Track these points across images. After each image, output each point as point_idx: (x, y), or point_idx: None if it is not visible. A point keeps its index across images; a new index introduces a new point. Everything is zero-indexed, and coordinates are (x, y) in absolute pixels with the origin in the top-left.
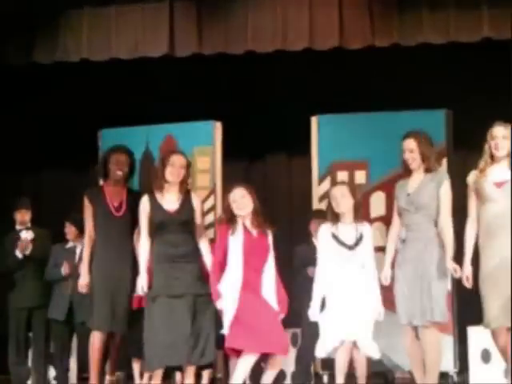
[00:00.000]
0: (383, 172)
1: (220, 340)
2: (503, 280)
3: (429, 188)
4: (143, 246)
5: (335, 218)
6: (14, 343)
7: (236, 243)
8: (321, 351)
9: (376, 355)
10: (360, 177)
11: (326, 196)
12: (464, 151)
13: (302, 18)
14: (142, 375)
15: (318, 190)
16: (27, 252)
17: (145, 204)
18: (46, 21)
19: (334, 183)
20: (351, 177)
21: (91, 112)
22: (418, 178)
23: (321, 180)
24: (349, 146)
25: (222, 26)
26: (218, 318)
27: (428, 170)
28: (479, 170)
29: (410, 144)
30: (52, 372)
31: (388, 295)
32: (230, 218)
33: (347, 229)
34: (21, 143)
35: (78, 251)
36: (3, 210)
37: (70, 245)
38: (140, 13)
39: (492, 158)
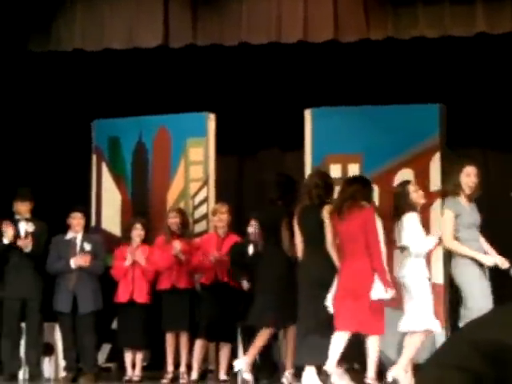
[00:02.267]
0: (377, 165)
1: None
2: None
3: None
4: None
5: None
6: (7, 333)
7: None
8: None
9: None
10: (353, 170)
11: None
12: (457, 146)
13: (297, 10)
14: (133, 366)
15: None
16: (28, 249)
17: None
18: (39, 10)
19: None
20: (344, 170)
21: (84, 102)
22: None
23: None
24: (342, 139)
25: (217, 17)
26: None
27: None
28: None
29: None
30: (44, 361)
31: None
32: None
33: None
34: (14, 133)
35: (78, 242)
36: (5, 199)
37: (69, 236)
38: (134, 3)
39: None
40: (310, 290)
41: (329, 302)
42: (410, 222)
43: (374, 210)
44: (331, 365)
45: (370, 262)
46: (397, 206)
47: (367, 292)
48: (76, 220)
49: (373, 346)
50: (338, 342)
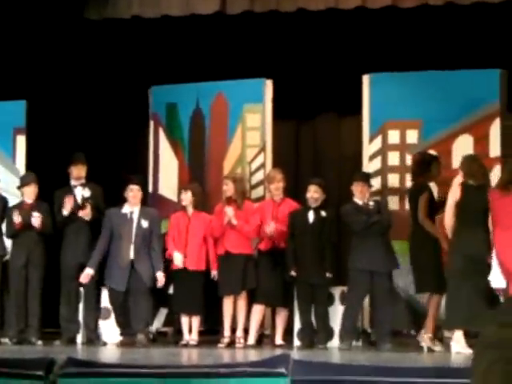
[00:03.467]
0: (436, 131)
1: None
2: None
3: None
4: None
5: None
6: (66, 298)
7: None
8: None
9: None
10: (412, 136)
11: (376, 155)
12: None
13: None
14: (190, 330)
15: (368, 148)
16: (88, 218)
17: None
18: None
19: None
20: (403, 136)
21: (142, 69)
22: None
23: (371, 139)
24: (401, 105)
25: None
26: None
27: None
28: None
29: None
30: (101, 326)
31: None
32: None
33: None
34: (72, 100)
35: (135, 218)
36: (58, 165)
37: (126, 210)
38: None
39: None
40: (472, 265)
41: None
42: None
43: None
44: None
45: None
46: None
47: None
48: (133, 192)
49: None
50: None
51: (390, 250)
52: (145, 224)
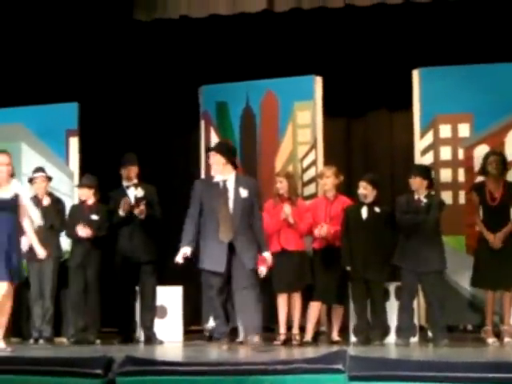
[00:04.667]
0: (488, 125)
1: None
2: None
3: None
4: None
5: None
6: (123, 297)
7: None
8: None
9: None
10: (464, 130)
11: (428, 150)
12: None
13: None
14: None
15: (420, 143)
16: (142, 216)
17: None
18: None
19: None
20: (454, 130)
21: (191, 69)
22: None
23: (423, 133)
24: (452, 99)
25: None
26: None
27: None
28: None
29: None
30: (157, 324)
31: None
32: None
33: None
34: (123, 101)
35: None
36: (111, 166)
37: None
38: None
39: None
40: None
41: None
42: None
43: None
44: None
45: None
46: None
47: None
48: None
49: None
50: None
51: (437, 248)
52: (244, 193)
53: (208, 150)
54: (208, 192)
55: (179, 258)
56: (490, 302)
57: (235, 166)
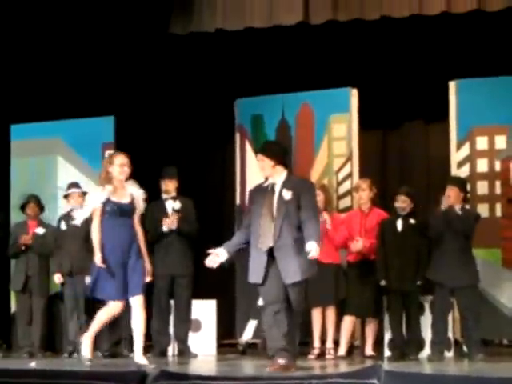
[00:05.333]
0: None
1: None
2: None
3: None
4: None
5: None
6: (157, 311)
7: None
8: None
9: None
10: (500, 142)
11: (464, 162)
12: None
13: None
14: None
15: (456, 155)
16: (174, 227)
17: None
18: None
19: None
20: (491, 142)
21: (227, 82)
22: None
23: (459, 145)
24: (488, 111)
25: None
26: None
27: None
28: None
29: None
30: (191, 338)
31: None
32: None
33: None
34: (160, 115)
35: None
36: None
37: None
38: None
39: None
40: None
41: None
42: None
43: None
44: None
45: None
46: None
47: None
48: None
49: None
50: None
51: (470, 262)
52: (287, 195)
53: (256, 152)
54: (257, 198)
55: (210, 259)
56: None
57: (286, 166)
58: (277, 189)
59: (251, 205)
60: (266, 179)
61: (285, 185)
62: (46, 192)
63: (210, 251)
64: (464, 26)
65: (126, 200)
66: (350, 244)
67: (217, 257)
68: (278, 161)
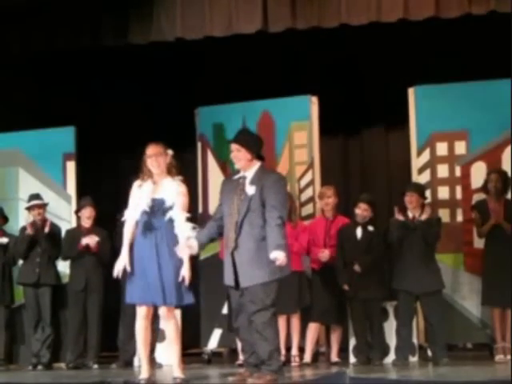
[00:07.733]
0: (484, 142)
1: None
2: None
3: None
4: None
5: None
6: (124, 321)
7: None
8: None
9: None
10: (460, 147)
11: (425, 167)
12: None
13: None
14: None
15: (417, 162)
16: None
17: None
18: (139, 1)
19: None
20: (451, 147)
21: (187, 90)
22: None
23: (420, 152)
24: (448, 117)
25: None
26: None
27: None
28: None
29: None
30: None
31: None
32: None
33: None
34: (117, 124)
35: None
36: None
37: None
38: None
39: None
40: None
41: None
42: None
43: None
44: None
45: None
46: None
47: None
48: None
49: None
50: None
51: (433, 268)
52: (250, 190)
53: (230, 141)
54: (226, 192)
55: (181, 250)
56: (497, 319)
57: (262, 159)
58: (246, 183)
59: (222, 198)
60: (238, 171)
61: (252, 179)
62: (7, 204)
63: (181, 242)
64: (422, 33)
65: (161, 195)
66: (317, 253)
67: (189, 249)
68: (256, 154)
